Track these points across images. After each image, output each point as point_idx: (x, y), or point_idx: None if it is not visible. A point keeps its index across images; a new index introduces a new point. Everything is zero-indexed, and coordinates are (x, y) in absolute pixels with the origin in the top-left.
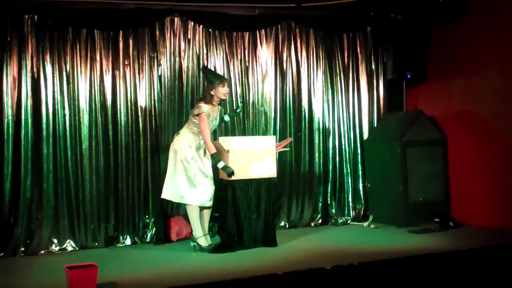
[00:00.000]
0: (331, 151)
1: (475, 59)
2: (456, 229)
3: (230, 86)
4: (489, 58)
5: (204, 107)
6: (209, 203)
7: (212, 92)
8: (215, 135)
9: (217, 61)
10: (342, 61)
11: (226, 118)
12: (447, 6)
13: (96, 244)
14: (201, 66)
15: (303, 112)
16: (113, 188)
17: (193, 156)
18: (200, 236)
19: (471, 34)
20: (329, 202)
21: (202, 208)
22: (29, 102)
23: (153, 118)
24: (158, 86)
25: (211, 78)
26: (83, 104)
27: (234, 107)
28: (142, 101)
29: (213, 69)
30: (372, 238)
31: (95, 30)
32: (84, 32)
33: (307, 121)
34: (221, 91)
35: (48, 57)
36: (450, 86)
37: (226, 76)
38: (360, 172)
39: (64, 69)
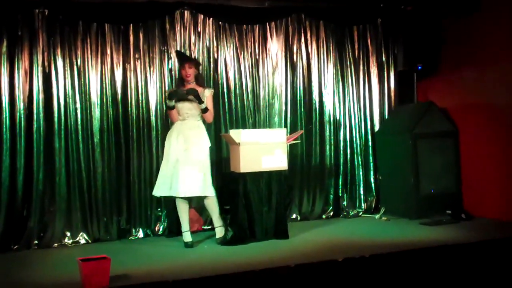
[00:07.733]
0: (342, 144)
1: (487, 50)
2: (468, 221)
3: (195, 66)
4: (501, 49)
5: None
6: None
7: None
8: (226, 128)
9: (227, 54)
10: (352, 53)
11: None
12: None
13: (109, 237)
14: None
15: (313, 105)
16: (125, 181)
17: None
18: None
19: (483, 24)
20: (340, 195)
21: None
22: (41, 96)
23: (164, 111)
24: (169, 79)
25: (178, 61)
26: (94, 98)
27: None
28: (153, 94)
29: (187, 54)
30: (384, 231)
31: (106, 24)
32: (95, 26)
33: (318, 113)
34: (182, 73)
35: (59, 51)
36: (461, 77)
37: (236, 69)
38: (371, 165)
39: (75, 63)
